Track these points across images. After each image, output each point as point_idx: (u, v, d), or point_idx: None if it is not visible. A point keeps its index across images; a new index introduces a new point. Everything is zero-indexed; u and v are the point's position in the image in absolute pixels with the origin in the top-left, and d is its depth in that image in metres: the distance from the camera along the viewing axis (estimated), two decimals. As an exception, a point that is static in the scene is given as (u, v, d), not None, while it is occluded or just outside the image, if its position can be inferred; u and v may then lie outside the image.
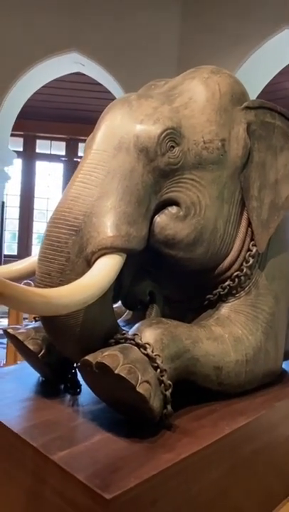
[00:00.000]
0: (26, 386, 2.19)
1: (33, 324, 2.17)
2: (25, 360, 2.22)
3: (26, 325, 2.18)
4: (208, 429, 1.81)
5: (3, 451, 1.75)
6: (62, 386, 2.16)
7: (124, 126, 1.91)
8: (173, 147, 1.92)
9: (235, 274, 2.19)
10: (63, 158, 7.64)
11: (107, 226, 1.76)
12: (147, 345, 1.76)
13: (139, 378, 1.62)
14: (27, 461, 1.62)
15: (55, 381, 2.15)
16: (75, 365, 2.14)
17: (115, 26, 3.86)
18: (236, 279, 2.20)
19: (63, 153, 7.78)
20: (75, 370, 2.14)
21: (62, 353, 1.98)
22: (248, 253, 2.19)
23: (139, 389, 1.60)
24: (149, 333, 1.82)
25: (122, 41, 3.86)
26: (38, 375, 2.29)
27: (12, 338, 2.10)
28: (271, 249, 2.31)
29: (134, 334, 1.81)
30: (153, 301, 2.21)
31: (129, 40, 3.87)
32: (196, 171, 1.99)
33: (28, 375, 2.30)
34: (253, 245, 2.20)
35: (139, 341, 1.77)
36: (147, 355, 1.73)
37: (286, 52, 3.63)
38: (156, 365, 1.72)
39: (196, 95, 2.05)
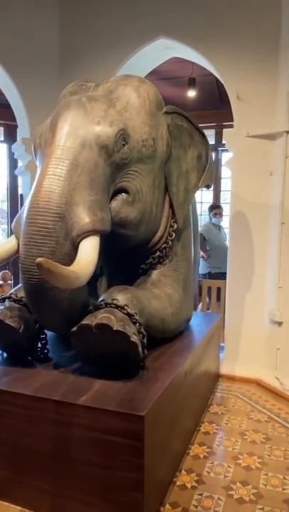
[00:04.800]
0: (5, 361, 2.38)
1: (1, 306, 2.33)
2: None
3: (-3, 307, 2.33)
4: (169, 365, 2.37)
5: (15, 415, 1.99)
6: (30, 358, 2.41)
7: (84, 126, 2.23)
8: (124, 145, 2.33)
9: (163, 246, 2.76)
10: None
11: (87, 213, 2.11)
12: (126, 307, 2.20)
13: (130, 331, 2.06)
14: (48, 414, 1.92)
15: (28, 353, 2.39)
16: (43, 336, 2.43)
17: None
18: (164, 250, 2.76)
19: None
20: (46, 341, 2.43)
21: (45, 325, 2.26)
22: (171, 229, 2.78)
23: (133, 339, 2.05)
24: (121, 298, 2.26)
25: (6, 28, 3.88)
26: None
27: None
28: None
29: (113, 299, 2.23)
30: (102, 274, 2.62)
31: (12, 27, 3.91)
32: (139, 164, 2.44)
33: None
34: (174, 222, 2.78)
35: (119, 304, 2.20)
36: (127, 313, 2.18)
37: (159, 57, 4.25)
38: (135, 320, 2.19)
39: (131, 100, 2.48)
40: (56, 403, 1.91)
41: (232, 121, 3.77)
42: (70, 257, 2.05)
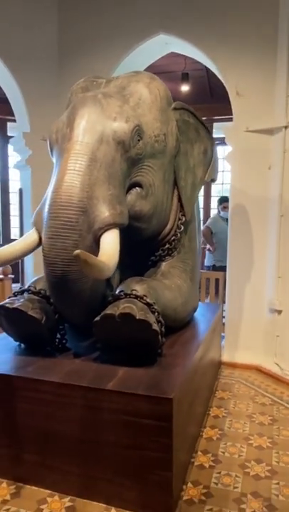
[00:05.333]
0: (18, 354, 2.43)
1: (22, 298, 2.38)
2: (17, 330, 2.43)
3: (17, 299, 2.38)
4: (183, 351, 2.48)
5: (43, 402, 2.06)
6: (48, 348, 2.48)
7: (102, 122, 2.29)
8: (139, 140, 2.40)
9: (172, 238, 2.85)
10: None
11: (107, 206, 2.18)
12: (145, 297, 2.29)
13: (151, 320, 2.16)
14: (77, 400, 2.00)
15: (48, 343, 2.45)
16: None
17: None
18: (173, 243, 2.86)
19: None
20: (65, 332, 2.50)
21: (67, 316, 2.33)
22: (179, 221, 2.87)
23: (154, 327, 2.14)
24: (139, 288, 2.35)
25: (5, 23, 3.89)
26: (15, 344, 2.54)
27: (10, 311, 2.28)
28: None
29: (132, 290, 2.31)
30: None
31: (11, 22, 3.91)
32: (151, 159, 2.52)
33: (5, 347, 2.53)
34: (182, 215, 2.88)
35: (138, 294, 2.28)
36: (147, 303, 2.27)
37: (158, 53, 4.31)
38: (153, 310, 2.28)
39: (143, 97, 2.54)
40: (85, 389, 1.99)
41: (222, 115, 3.89)
42: (92, 250, 2.12)
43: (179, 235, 2.86)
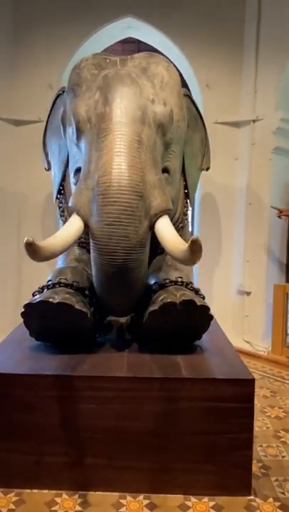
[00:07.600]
0: (51, 353, 2.20)
1: (59, 292, 2.15)
2: (52, 327, 2.18)
3: (54, 293, 2.14)
4: (216, 336, 2.54)
5: (111, 400, 1.93)
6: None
7: (142, 102, 2.18)
8: (171, 125, 2.36)
9: (180, 226, 2.85)
10: None
11: (158, 191, 2.11)
12: (191, 283, 2.28)
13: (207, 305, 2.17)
14: (151, 393, 1.92)
15: (88, 338, 2.26)
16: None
17: None
18: (180, 230, 2.86)
19: None
20: (99, 325, 2.34)
21: (117, 308, 2.20)
22: (185, 208, 2.90)
23: (210, 312, 2.16)
24: (182, 275, 2.33)
25: None
26: (33, 344, 2.29)
27: (53, 306, 2.05)
28: None
29: (177, 277, 2.28)
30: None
31: None
32: (175, 144, 2.49)
33: (28, 344, 2.28)
34: (186, 203, 2.91)
35: (185, 280, 2.27)
36: (194, 289, 2.27)
37: (116, 36, 4.14)
38: (200, 295, 2.29)
39: (165, 80, 2.47)
40: (162, 380, 1.93)
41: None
42: (147, 236, 2.06)
43: (185, 221, 2.89)
